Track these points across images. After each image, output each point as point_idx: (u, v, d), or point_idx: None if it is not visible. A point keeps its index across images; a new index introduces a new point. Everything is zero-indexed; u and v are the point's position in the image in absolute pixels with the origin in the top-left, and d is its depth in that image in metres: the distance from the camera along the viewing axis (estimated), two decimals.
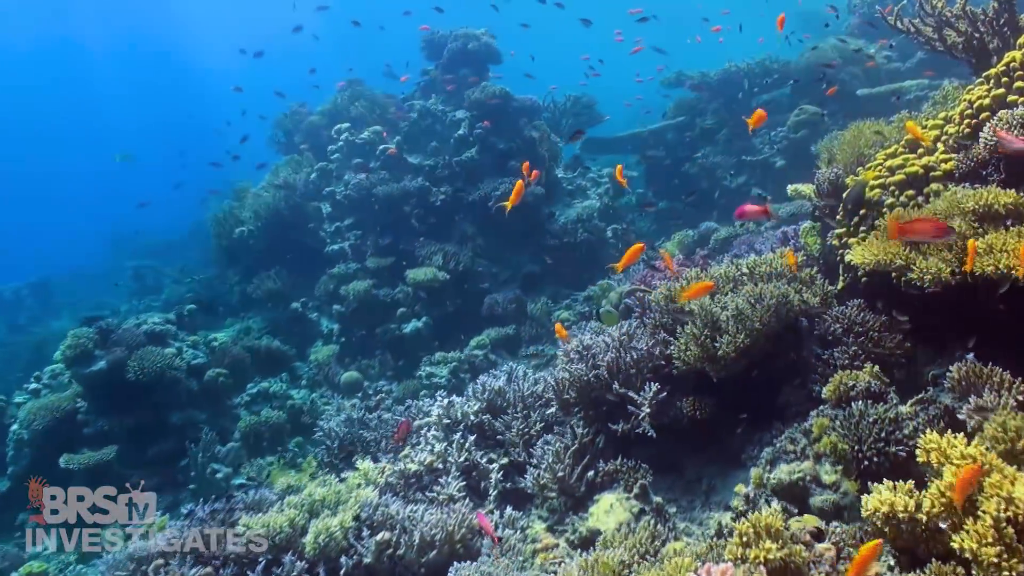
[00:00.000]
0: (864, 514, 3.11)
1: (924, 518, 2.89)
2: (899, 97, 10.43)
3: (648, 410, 4.77)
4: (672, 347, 4.94)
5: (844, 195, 5.20)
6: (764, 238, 7.35)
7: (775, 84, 12.53)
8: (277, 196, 10.80)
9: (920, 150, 4.92)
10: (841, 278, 5.31)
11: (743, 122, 12.45)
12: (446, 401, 5.77)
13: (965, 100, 4.76)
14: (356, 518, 4.73)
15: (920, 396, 4.04)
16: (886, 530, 3.02)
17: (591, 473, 4.94)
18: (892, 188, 4.76)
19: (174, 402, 8.38)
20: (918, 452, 3.10)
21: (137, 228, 22.95)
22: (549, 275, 10.53)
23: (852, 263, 4.41)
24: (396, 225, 10.50)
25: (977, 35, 5.23)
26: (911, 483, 3.10)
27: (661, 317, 5.25)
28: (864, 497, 3.13)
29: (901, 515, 2.95)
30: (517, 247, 10.71)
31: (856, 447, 3.70)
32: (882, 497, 3.03)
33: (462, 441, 5.42)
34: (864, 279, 4.83)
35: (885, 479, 3.14)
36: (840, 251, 5.16)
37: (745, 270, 5.32)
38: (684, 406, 4.94)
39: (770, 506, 3.58)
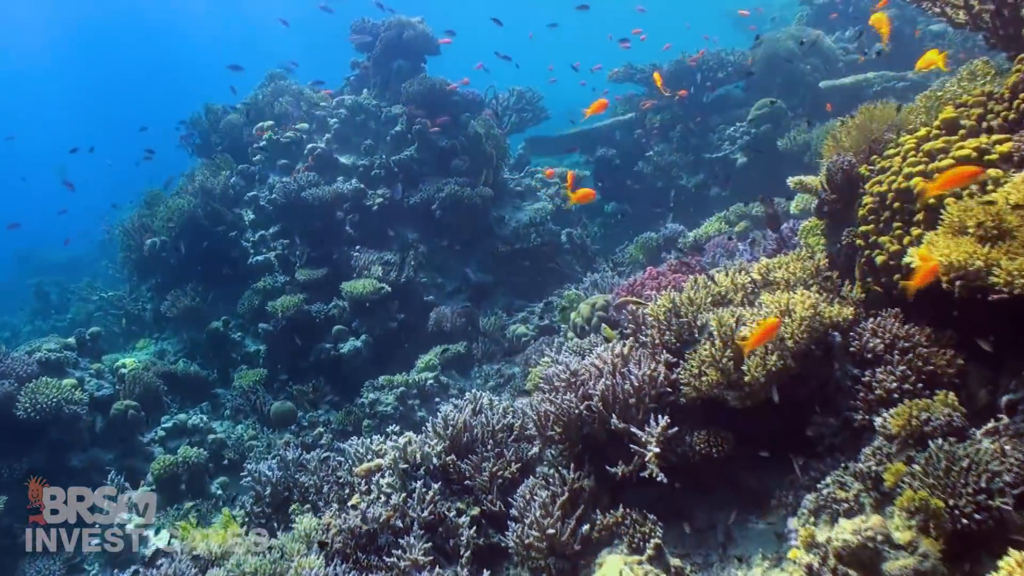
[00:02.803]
0: None
1: None
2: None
3: (656, 449, 3.90)
4: (679, 371, 4.11)
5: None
6: (751, 239, 6.57)
7: (729, 77, 11.90)
8: (193, 203, 9.60)
9: (961, 131, 4.18)
10: (859, 282, 4.56)
11: (697, 117, 11.96)
12: (402, 440, 4.80)
13: (1017, 71, 4.03)
14: None
15: (991, 426, 3.28)
16: None
17: (586, 527, 4.07)
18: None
19: (74, 442, 7.19)
20: None
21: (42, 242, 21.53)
22: (501, 285, 9.60)
23: (913, 266, 3.61)
24: (328, 232, 9.43)
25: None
26: None
27: (662, 334, 4.40)
28: None
29: None
30: (464, 254, 9.75)
31: (951, 502, 2.89)
32: None
33: (424, 491, 4.47)
34: (901, 284, 4.08)
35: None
36: (867, 251, 4.39)
37: (757, 276, 4.51)
38: (696, 442, 4.10)
39: None
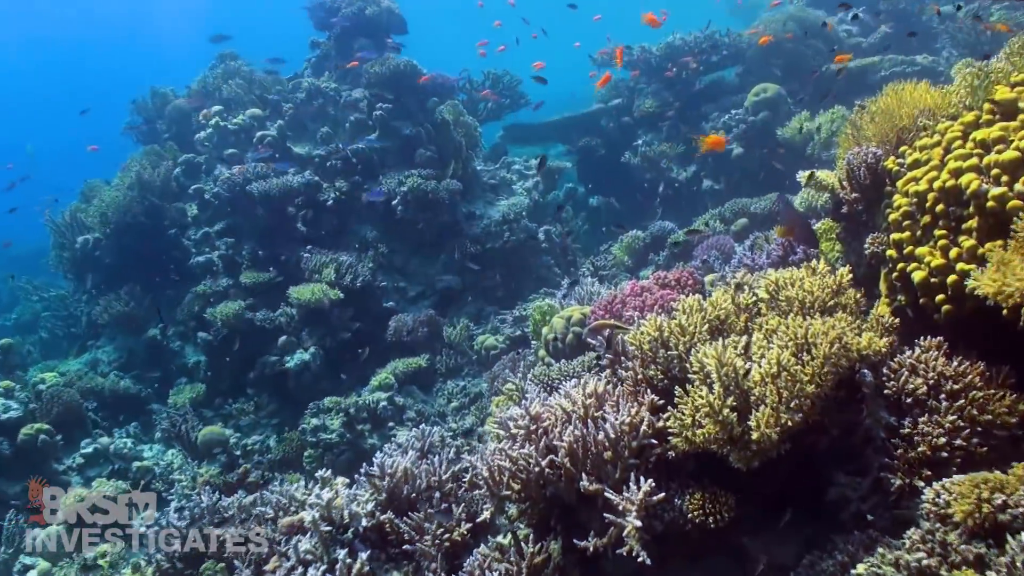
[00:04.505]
0: None
1: None
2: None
3: (638, 523, 3.02)
4: (668, 418, 3.24)
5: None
6: (751, 242, 5.70)
7: (723, 62, 11.02)
8: (129, 196, 8.65)
9: (1022, 115, 3.30)
10: (886, 301, 3.71)
11: (688, 104, 11.10)
12: (326, 494, 3.90)
13: None
14: None
15: None
16: None
17: None
18: (997, 172, 3.12)
19: None
20: None
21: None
22: (469, 289, 8.67)
23: (978, 293, 2.74)
24: (277, 230, 8.49)
25: None
26: None
27: (646, 368, 3.52)
28: None
29: None
30: (429, 255, 8.84)
31: None
32: None
33: (350, 562, 3.58)
34: (946, 308, 3.22)
35: None
36: (901, 264, 3.52)
37: (765, 295, 3.63)
38: (688, 507, 3.23)
39: None
